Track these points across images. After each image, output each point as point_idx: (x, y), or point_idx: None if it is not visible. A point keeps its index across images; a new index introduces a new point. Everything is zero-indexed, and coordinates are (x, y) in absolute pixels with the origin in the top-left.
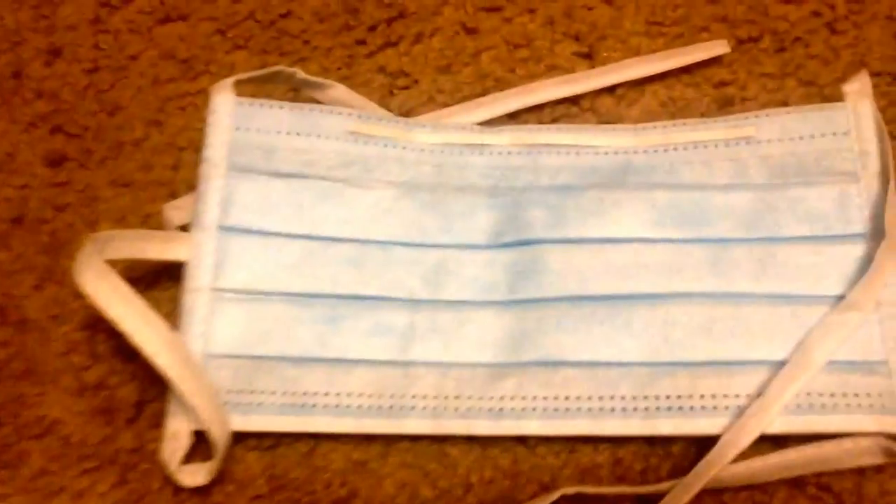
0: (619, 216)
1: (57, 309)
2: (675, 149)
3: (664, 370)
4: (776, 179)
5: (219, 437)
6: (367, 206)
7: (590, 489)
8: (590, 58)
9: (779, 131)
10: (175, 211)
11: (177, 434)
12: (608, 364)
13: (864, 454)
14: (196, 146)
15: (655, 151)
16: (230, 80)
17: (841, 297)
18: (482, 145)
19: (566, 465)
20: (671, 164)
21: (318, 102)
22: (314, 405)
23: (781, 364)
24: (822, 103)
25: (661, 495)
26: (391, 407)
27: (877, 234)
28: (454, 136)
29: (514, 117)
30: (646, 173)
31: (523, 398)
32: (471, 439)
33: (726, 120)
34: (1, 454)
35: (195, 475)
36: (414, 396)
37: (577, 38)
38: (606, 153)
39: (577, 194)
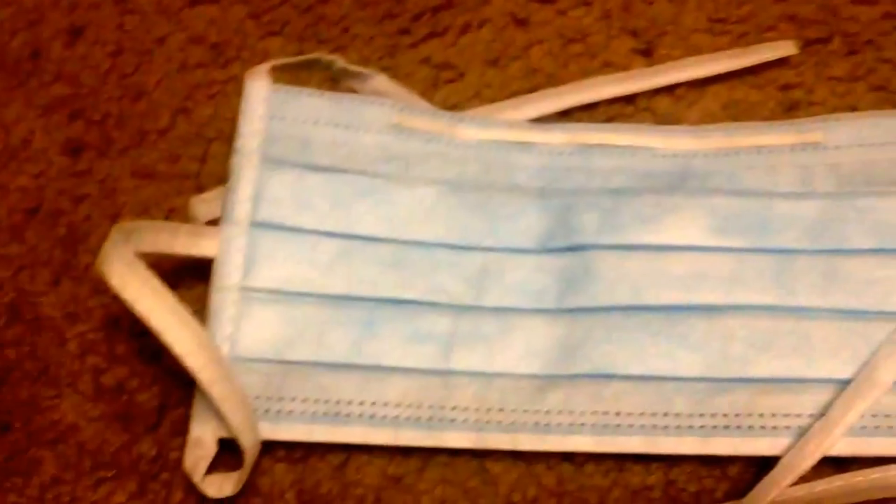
0: (676, 222)
1: (73, 307)
2: (738, 153)
3: (722, 386)
4: (844, 188)
5: (248, 445)
6: (409, 205)
7: None
8: (648, 55)
9: (848, 138)
10: (203, 204)
11: (201, 441)
12: (663, 378)
13: None
14: (225, 137)
15: (716, 155)
16: (266, 66)
17: None
18: (532, 144)
19: (615, 485)
20: (733, 169)
21: (358, 94)
22: (348, 414)
23: (846, 383)
24: (894, 109)
25: None
26: (430, 418)
27: None
28: (502, 132)
29: (565, 116)
30: (705, 178)
31: (571, 412)
32: (514, 455)
33: (792, 124)
34: (12, 461)
35: (222, 486)
36: (455, 408)
37: (634, 34)
38: (664, 155)
39: (632, 198)
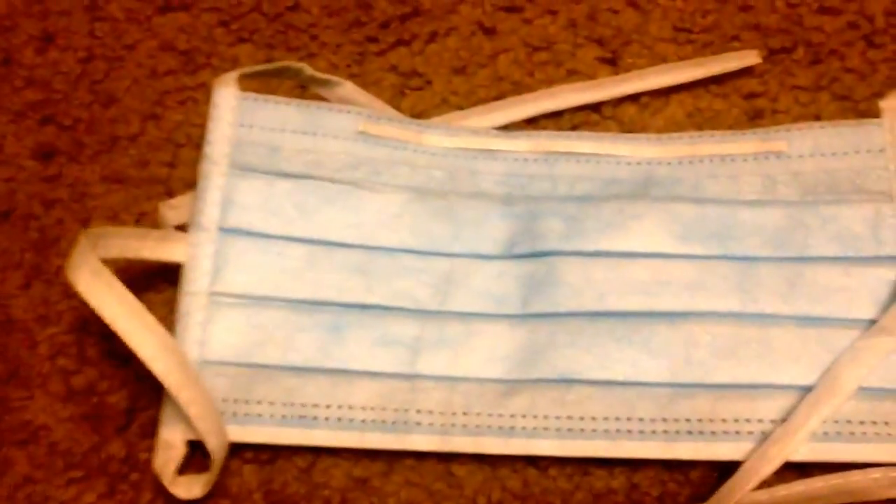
0: (640, 229)
1: (44, 309)
2: (701, 161)
3: (685, 392)
4: (807, 196)
5: (216, 448)
6: (375, 211)
7: None
8: (613, 64)
9: (811, 146)
10: (172, 210)
11: (170, 443)
12: (626, 384)
13: (894, 485)
14: (195, 143)
15: (680, 163)
16: (234, 74)
17: (872, 322)
18: (497, 151)
19: (579, 489)
20: (696, 176)
21: (326, 101)
22: (315, 417)
23: (808, 389)
24: (857, 119)
25: None
26: (395, 422)
27: None
28: (468, 140)
29: (531, 123)
30: (669, 185)
31: (535, 416)
32: (479, 459)
33: (756, 133)
34: None
35: (190, 487)
36: (420, 411)
37: (600, 43)
38: (629, 163)
39: (597, 205)
